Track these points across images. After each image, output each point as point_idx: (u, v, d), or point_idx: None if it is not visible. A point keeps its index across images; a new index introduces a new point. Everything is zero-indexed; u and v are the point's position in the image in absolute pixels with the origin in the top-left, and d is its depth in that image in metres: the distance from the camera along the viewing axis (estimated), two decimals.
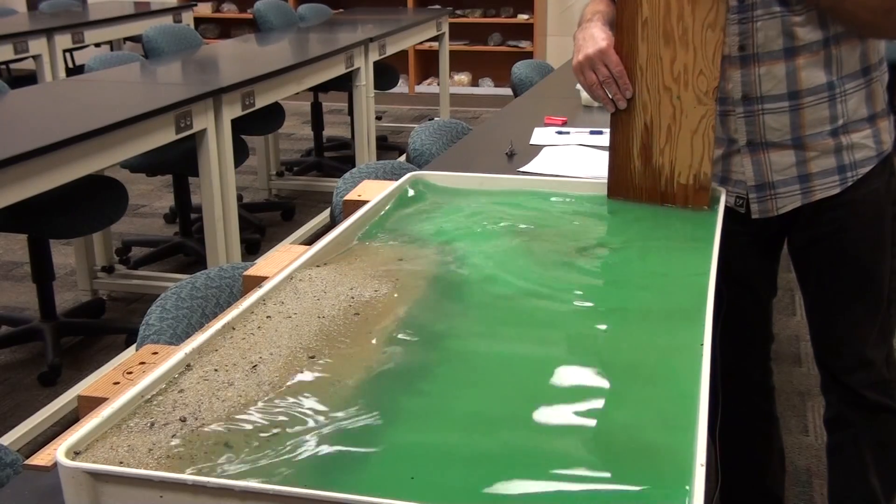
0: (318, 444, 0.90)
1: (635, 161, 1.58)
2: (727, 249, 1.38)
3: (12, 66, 5.96)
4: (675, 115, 1.53)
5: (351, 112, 4.95)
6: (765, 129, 1.63)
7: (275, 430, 0.92)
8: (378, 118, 6.30)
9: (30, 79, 5.14)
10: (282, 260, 1.44)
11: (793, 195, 1.66)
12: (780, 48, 1.57)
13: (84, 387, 1.21)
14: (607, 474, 0.87)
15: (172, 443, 0.89)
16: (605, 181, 1.62)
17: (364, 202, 1.59)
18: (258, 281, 1.38)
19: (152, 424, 0.92)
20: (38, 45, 4.90)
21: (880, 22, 1.47)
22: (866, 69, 1.61)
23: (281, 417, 0.94)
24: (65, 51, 5.24)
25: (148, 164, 3.64)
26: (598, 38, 1.54)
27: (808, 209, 1.67)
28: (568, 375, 1.06)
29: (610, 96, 1.55)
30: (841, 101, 1.60)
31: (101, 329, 3.56)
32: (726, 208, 1.53)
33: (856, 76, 1.60)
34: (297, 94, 4.02)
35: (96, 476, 0.81)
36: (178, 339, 1.42)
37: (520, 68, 3.74)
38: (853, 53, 1.58)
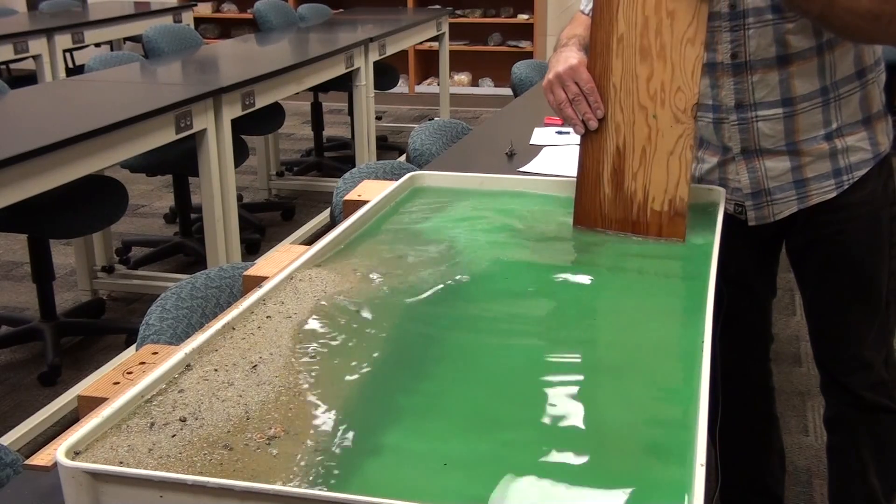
0: (318, 445, 0.90)
1: (605, 188, 1.49)
2: (725, 251, 1.38)
3: (12, 66, 5.97)
4: (651, 135, 1.45)
5: (351, 112, 4.95)
6: (759, 136, 1.62)
7: (275, 431, 0.92)
8: (378, 118, 6.30)
9: (30, 79, 5.14)
10: (282, 260, 1.44)
11: (789, 201, 1.66)
12: (773, 56, 1.55)
13: (84, 387, 1.21)
14: (607, 474, 0.87)
15: (172, 443, 0.89)
16: None
17: (364, 202, 1.59)
18: (258, 281, 1.38)
19: (152, 424, 0.92)
20: (38, 45, 4.90)
21: (870, 27, 1.44)
22: (861, 72, 1.60)
23: (281, 417, 0.94)
24: (65, 51, 5.24)
25: (148, 164, 3.64)
26: (569, 57, 1.50)
27: (804, 212, 1.66)
28: (567, 375, 1.06)
29: (580, 116, 1.49)
30: (835, 105, 1.59)
31: (101, 329, 3.56)
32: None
33: (850, 80, 1.59)
34: (297, 94, 4.02)
35: (96, 476, 0.81)
36: (178, 339, 1.42)
37: (520, 68, 3.74)
38: (847, 57, 1.57)
